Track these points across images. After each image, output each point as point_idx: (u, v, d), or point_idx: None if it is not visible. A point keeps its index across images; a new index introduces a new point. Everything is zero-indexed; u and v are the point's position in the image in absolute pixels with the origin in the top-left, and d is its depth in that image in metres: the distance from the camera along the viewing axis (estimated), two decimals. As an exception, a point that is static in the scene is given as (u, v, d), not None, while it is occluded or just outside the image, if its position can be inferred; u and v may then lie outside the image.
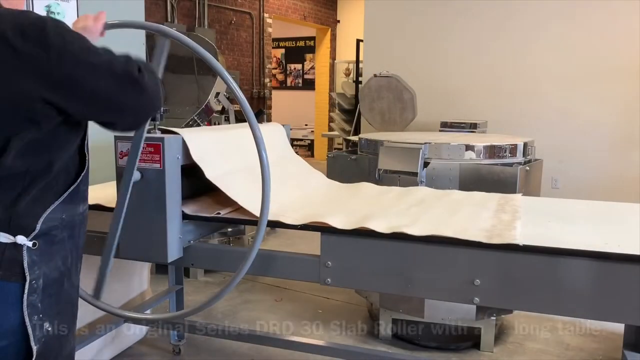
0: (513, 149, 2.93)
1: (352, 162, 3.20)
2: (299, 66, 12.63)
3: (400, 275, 1.72)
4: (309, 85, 12.06)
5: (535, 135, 3.59)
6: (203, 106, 4.36)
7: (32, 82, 1.10)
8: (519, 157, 2.95)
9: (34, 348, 1.20)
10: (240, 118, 5.01)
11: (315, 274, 1.82)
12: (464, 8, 5.62)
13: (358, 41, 7.73)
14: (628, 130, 5.02)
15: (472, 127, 4.72)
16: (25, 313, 1.19)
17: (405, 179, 2.72)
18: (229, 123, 4.90)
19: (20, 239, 1.17)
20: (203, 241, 2.28)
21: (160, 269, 3.90)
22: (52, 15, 2.81)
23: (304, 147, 11.48)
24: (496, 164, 2.82)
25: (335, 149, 9.64)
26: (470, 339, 2.97)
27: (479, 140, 2.97)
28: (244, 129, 1.97)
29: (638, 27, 4.90)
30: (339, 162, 3.27)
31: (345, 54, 10.57)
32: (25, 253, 1.18)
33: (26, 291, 1.18)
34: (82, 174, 1.30)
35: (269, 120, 8.41)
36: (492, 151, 2.88)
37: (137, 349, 2.91)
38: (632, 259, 1.47)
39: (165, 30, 1.64)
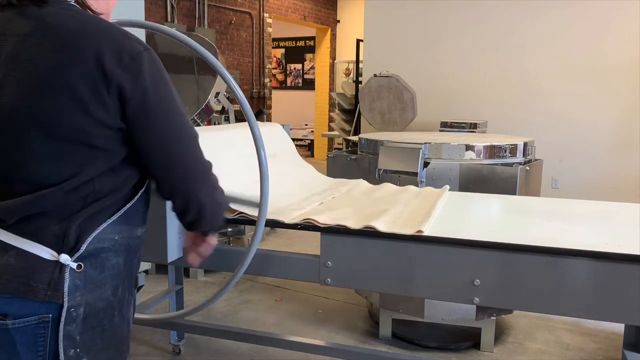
0: (513, 149, 2.93)
1: (352, 162, 3.20)
2: (299, 66, 12.63)
3: (400, 275, 1.71)
4: (309, 85, 12.07)
5: (535, 135, 3.59)
6: (203, 106, 4.35)
7: (108, 111, 1.04)
8: (519, 157, 2.95)
9: None
10: (240, 118, 5.01)
11: (315, 274, 1.82)
12: (464, 8, 5.62)
13: (358, 41, 7.73)
14: (628, 130, 5.03)
15: (472, 127, 4.73)
16: (61, 345, 1.05)
17: (405, 178, 2.72)
18: (229, 123, 4.91)
19: (64, 258, 1.05)
20: (203, 241, 2.27)
21: (160, 269, 3.91)
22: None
23: (304, 147, 11.48)
24: (496, 164, 2.82)
25: (335, 149, 9.64)
26: (470, 339, 2.97)
27: (479, 140, 2.97)
28: (243, 129, 1.98)
29: (638, 27, 4.90)
30: (339, 162, 3.27)
31: (345, 54, 10.57)
32: (67, 275, 1.05)
33: (63, 319, 1.05)
34: (141, 191, 1.18)
35: (269, 120, 8.42)
36: (492, 151, 2.88)
37: (137, 349, 2.91)
38: (632, 259, 1.47)
39: (166, 29, 1.64)
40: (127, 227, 1.15)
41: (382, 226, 1.70)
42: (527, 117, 5.38)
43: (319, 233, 1.81)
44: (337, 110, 8.29)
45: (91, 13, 1.12)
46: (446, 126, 4.84)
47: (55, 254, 1.05)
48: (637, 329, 2.08)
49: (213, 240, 1.37)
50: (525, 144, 3.00)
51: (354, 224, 1.76)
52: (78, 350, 1.08)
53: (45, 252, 1.04)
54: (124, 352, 1.22)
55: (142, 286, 3.03)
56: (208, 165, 1.23)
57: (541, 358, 2.88)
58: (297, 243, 4.55)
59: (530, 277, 1.57)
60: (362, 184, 2.55)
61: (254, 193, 1.73)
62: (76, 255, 1.06)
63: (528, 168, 2.86)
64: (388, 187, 2.45)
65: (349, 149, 3.64)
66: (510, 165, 2.83)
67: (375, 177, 2.81)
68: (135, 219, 1.18)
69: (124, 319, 1.20)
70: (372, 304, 3.18)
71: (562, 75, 5.28)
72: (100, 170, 1.07)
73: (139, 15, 3.22)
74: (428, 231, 1.70)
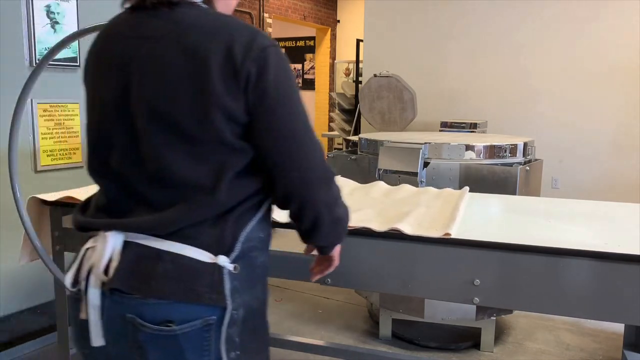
0: (513, 149, 2.93)
1: (352, 162, 3.20)
2: (299, 66, 12.63)
3: (400, 275, 1.71)
4: (309, 85, 12.07)
5: (535, 135, 3.59)
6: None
7: (239, 103, 1.00)
8: (519, 157, 2.96)
9: None
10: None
11: (315, 274, 1.81)
12: (464, 8, 5.62)
13: (358, 41, 7.73)
14: (628, 130, 5.03)
15: (472, 127, 4.73)
16: (223, 348, 1.02)
17: (405, 179, 2.72)
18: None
19: (222, 260, 1.01)
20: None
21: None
22: (52, 16, 2.81)
23: (304, 147, 11.46)
24: (496, 164, 2.82)
25: (335, 149, 9.65)
26: (470, 339, 2.97)
27: (479, 140, 2.97)
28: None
29: (638, 27, 4.91)
30: (339, 162, 3.27)
31: (345, 54, 10.57)
32: (226, 277, 1.02)
33: (226, 322, 1.01)
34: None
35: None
36: (492, 151, 2.88)
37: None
38: (632, 259, 1.47)
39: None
40: (267, 224, 1.14)
41: (407, 229, 1.69)
42: (527, 117, 5.38)
43: (319, 233, 1.80)
44: (337, 110, 8.29)
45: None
46: (446, 126, 4.85)
47: (212, 256, 1.01)
48: (637, 329, 2.08)
49: (336, 260, 1.34)
50: (525, 144, 3.00)
51: (378, 226, 1.74)
52: (238, 352, 1.05)
53: (203, 255, 1.01)
54: (268, 354, 1.20)
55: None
56: (330, 174, 1.13)
57: (541, 358, 2.88)
58: (297, 243, 4.55)
59: (530, 277, 1.57)
60: (379, 184, 2.51)
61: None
62: (232, 256, 1.03)
63: (528, 168, 2.86)
64: (407, 189, 2.42)
65: (349, 149, 3.64)
66: (510, 165, 2.84)
67: (376, 177, 2.81)
68: (270, 215, 1.16)
69: (267, 319, 1.18)
70: (372, 304, 3.18)
71: (562, 76, 5.28)
72: (241, 169, 1.04)
73: (139, 15, 3.22)
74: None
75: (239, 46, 0.99)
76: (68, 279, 1.07)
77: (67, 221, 2.09)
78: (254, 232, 1.08)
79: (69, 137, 2.94)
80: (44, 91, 2.78)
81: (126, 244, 1.02)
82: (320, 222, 1.14)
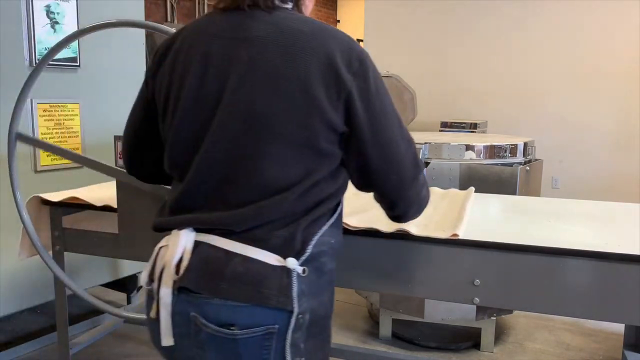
0: (513, 149, 2.93)
1: (352, 162, 3.20)
2: (299, 66, 12.64)
3: (400, 275, 1.71)
4: (309, 85, 12.07)
5: (535, 135, 3.59)
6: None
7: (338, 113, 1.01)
8: (519, 157, 2.96)
9: None
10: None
11: (315, 274, 1.81)
12: (465, 8, 5.62)
13: (358, 41, 7.74)
14: (628, 130, 5.03)
15: (472, 127, 4.74)
16: (288, 352, 1.01)
17: (405, 179, 2.72)
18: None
19: (291, 263, 1.00)
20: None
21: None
22: (52, 16, 2.81)
23: (304, 147, 11.46)
24: (496, 164, 2.82)
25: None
26: (470, 339, 2.97)
27: (479, 140, 2.97)
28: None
29: (638, 26, 4.91)
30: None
31: (345, 54, 10.58)
32: (294, 280, 1.01)
33: (291, 327, 1.00)
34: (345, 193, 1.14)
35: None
36: (492, 151, 2.88)
37: (137, 349, 2.91)
38: (632, 259, 1.47)
39: (165, 29, 1.64)
40: (338, 230, 1.13)
41: (414, 229, 1.68)
42: (527, 117, 5.39)
43: (319, 233, 1.80)
44: (337, 110, 8.30)
45: None
46: (446, 126, 4.85)
47: (281, 258, 1.00)
48: (637, 329, 2.08)
49: None
50: (525, 144, 3.00)
51: (385, 227, 1.74)
52: (303, 359, 1.04)
53: (271, 258, 1.00)
54: None
55: (142, 286, 3.04)
56: (420, 167, 1.16)
57: (541, 358, 2.88)
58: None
59: (530, 277, 1.57)
60: None
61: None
62: (302, 259, 1.02)
63: (528, 168, 2.86)
64: None
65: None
66: (510, 165, 2.84)
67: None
68: (341, 222, 1.16)
69: (330, 328, 1.16)
70: (372, 304, 3.18)
71: (562, 75, 5.28)
72: (323, 175, 1.04)
73: (139, 15, 3.22)
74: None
75: (339, 55, 1.01)
76: (143, 277, 1.10)
77: (67, 221, 2.09)
78: (325, 237, 1.07)
79: (68, 137, 2.94)
80: (44, 91, 2.78)
81: (197, 244, 1.03)
82: (408, 210, 1.19)
